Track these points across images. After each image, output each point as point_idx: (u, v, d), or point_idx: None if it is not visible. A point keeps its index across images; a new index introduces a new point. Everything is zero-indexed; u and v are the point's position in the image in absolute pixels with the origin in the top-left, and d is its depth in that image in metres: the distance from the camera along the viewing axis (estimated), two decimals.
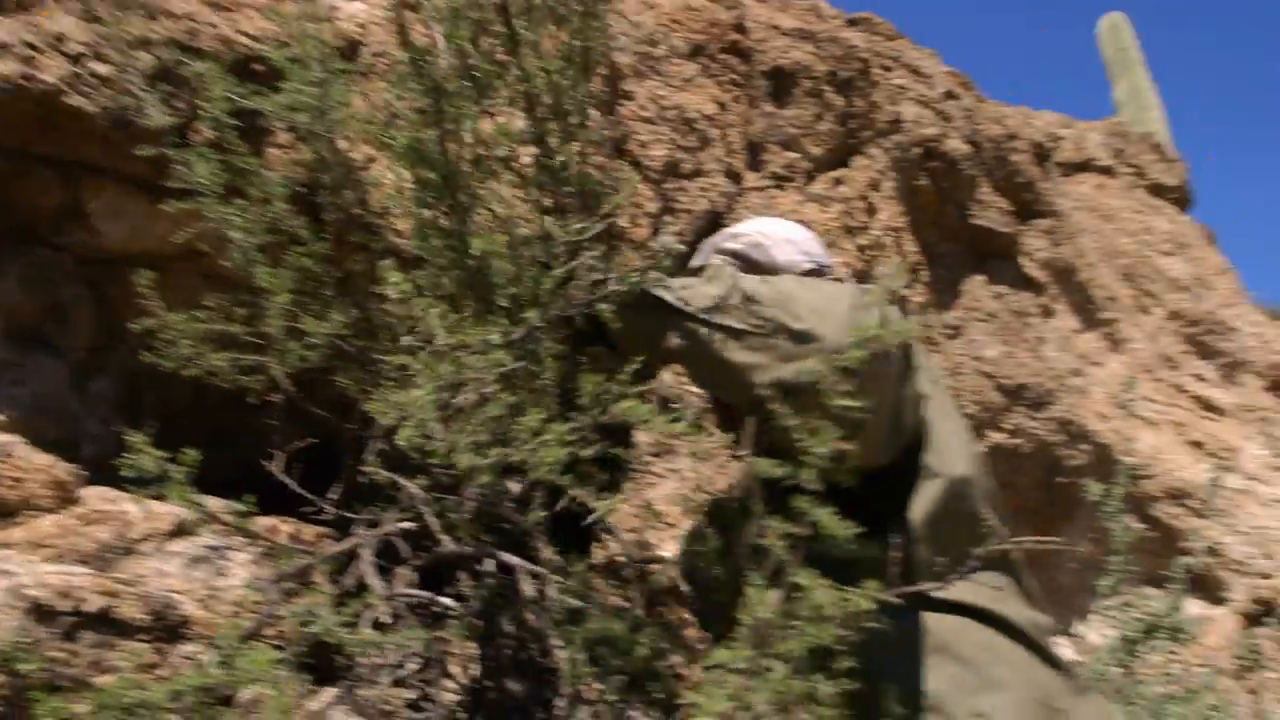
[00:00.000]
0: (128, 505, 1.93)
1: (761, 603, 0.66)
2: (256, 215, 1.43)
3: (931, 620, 1.20)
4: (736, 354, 1.18)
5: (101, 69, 1.82)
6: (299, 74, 1.35)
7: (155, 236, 2.04)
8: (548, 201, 1.29)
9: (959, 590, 1.20)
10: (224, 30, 2.07)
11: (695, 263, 1.60)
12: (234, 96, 1.39)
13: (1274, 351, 7.60)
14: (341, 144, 1.57)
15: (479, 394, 0.78)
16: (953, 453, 1.33)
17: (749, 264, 1.51)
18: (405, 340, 1.29)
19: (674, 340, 1.22)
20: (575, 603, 1.22)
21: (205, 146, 1.53)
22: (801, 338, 1.17)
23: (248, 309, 1.63)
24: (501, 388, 0.79)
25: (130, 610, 1.40)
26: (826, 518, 0.62)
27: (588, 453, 0.87)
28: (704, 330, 1.19)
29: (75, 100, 1.78)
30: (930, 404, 1.34)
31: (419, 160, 1.32)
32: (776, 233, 1.57)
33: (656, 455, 2.40)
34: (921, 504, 1.27)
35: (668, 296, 1.24)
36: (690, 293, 1.26)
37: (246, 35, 2.09)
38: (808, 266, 1.52)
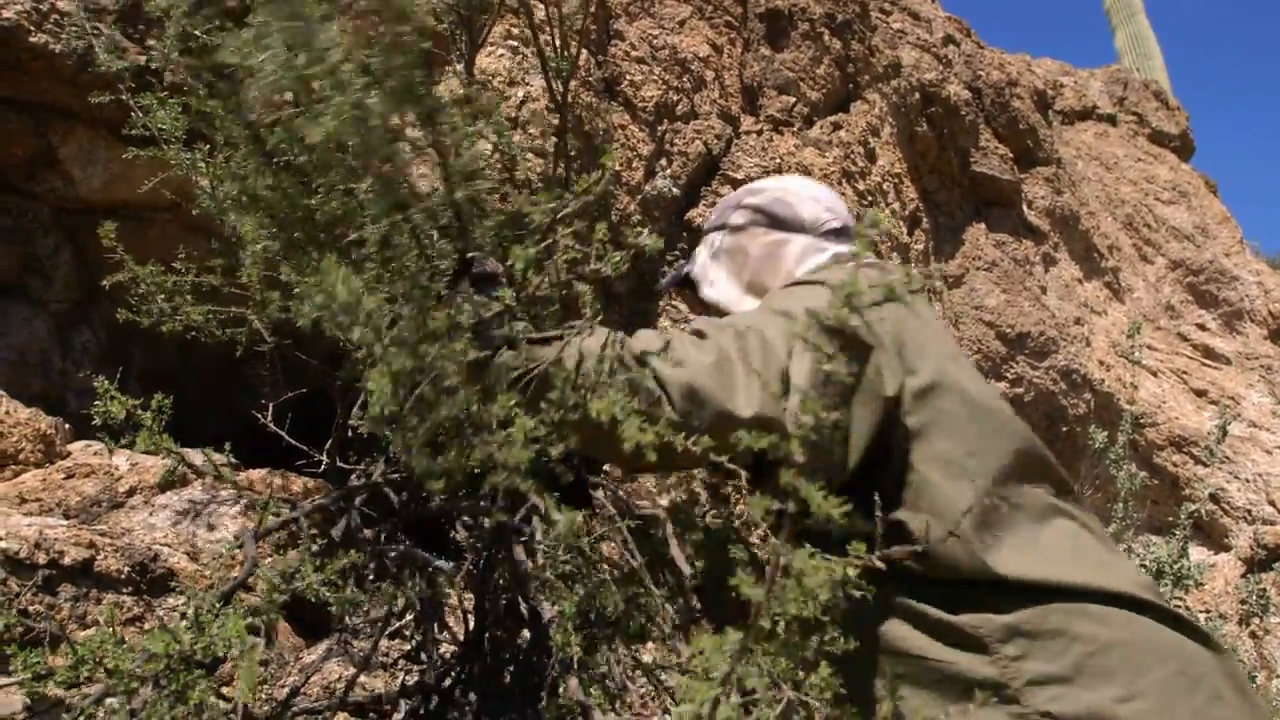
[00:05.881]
0: (116, 459, 1.89)
1: (748, 584, 0.58)
2: (222, 162, 1.35)
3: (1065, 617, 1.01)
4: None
5: (66, 5, 1.74)
6: (267, 8, 1.27)
7: (133, 185, 1.97)
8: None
9: (1058, 569, 1.03)
10: None
11: (713, 220, 1.51)
12: (195, 33, 1.30)
13: (1275, 300, 7.54)
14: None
15: (438, 389, 0.70)
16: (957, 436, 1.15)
17: (772, 219, 1.44)
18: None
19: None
20: (565, 563, 1.16)
21: (174, 90, 1.46)
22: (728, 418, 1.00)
23: (226, 259, 1.57)
24: (463, 380, 0.70)
25: (112, 563, 1.35)
26: (814, 495, 0.53)
27: (557, 451, 0.76)
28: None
29: (40, 39, 1.70)
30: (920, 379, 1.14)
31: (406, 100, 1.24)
32: (802, 190, 1.48)
33: None
34: (947, 500, 1.08)
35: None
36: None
37: None
38: (834, 225, 1.44)
